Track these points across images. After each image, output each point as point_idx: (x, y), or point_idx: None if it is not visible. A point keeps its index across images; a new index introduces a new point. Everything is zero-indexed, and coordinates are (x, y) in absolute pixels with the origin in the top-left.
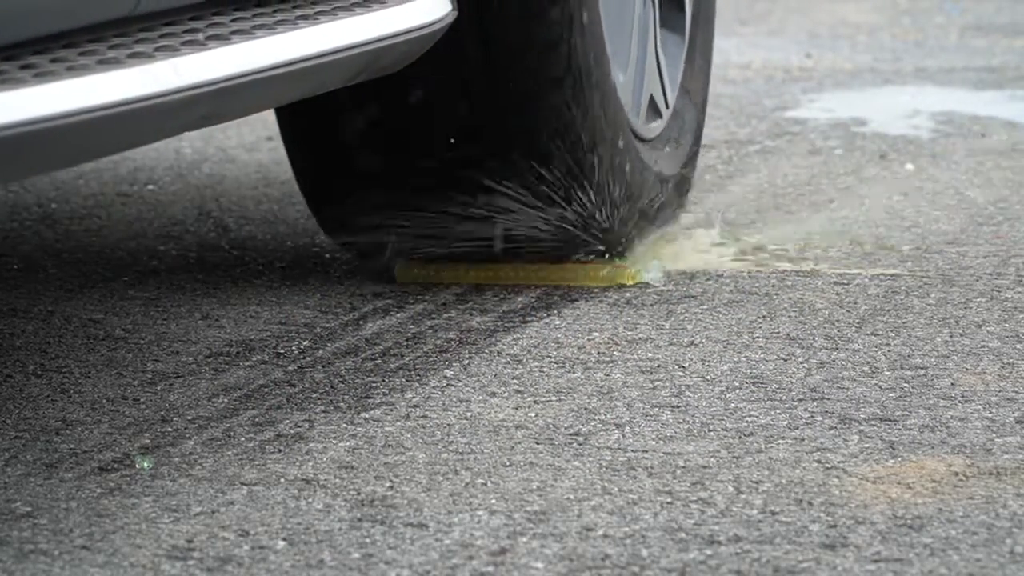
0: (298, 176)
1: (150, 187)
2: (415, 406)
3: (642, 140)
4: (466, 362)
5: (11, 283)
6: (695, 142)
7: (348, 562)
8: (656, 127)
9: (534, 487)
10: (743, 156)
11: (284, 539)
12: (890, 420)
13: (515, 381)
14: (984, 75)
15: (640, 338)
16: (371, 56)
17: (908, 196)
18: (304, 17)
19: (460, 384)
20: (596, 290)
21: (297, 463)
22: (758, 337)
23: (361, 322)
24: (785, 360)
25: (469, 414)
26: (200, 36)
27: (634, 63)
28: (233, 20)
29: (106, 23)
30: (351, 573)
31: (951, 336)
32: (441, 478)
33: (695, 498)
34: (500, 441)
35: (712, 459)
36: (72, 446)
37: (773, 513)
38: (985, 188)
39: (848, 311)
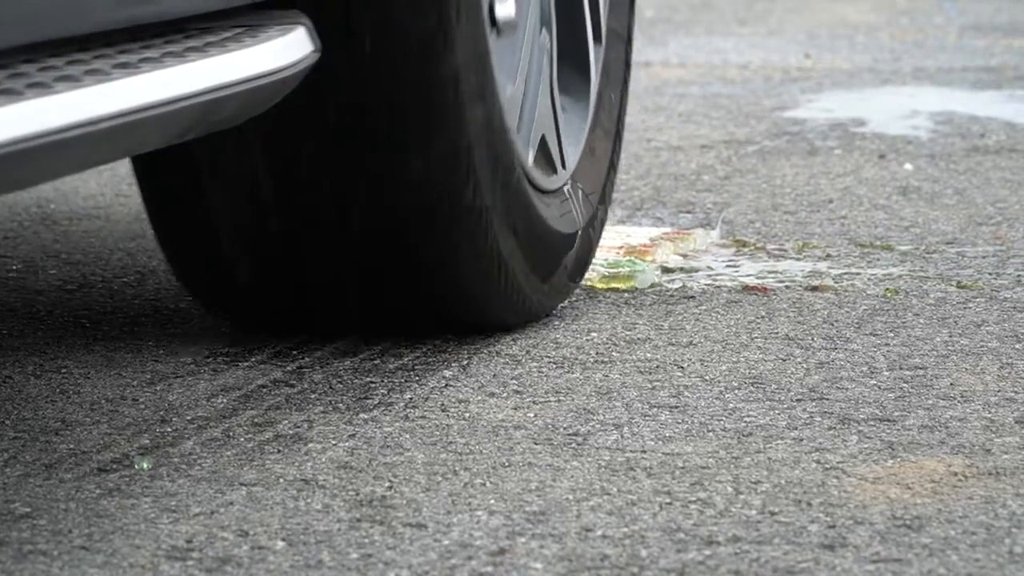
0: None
1: None
2: (414, 406)
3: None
4: (465, 362)
5: (11, 283)
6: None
7: (347, 562)
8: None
9: (533, 487)
10: (741, 156)
11: (283, 539)
12: (889, 420)
13: (514, 381)
14: (983, 75)
15: (639, 338)
16: (202, 109)
17: (907, 196)
18: (123, 66)
19: (459, 384)
20: (594, 290)
21: (296, 463)
22: (757, 337)
23: None
24: (784, 360)
25: (468, 414)
26: None
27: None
28: (41, 69)
29: None
30: (350, 573)
31: (950, 336)
32: (440, 478)
33: (694, 498)
34: (499, 441)
35: (711, 459)
36: (71, 447)
37: (772, 513)
38: (984, 188)
39: (847, 311)
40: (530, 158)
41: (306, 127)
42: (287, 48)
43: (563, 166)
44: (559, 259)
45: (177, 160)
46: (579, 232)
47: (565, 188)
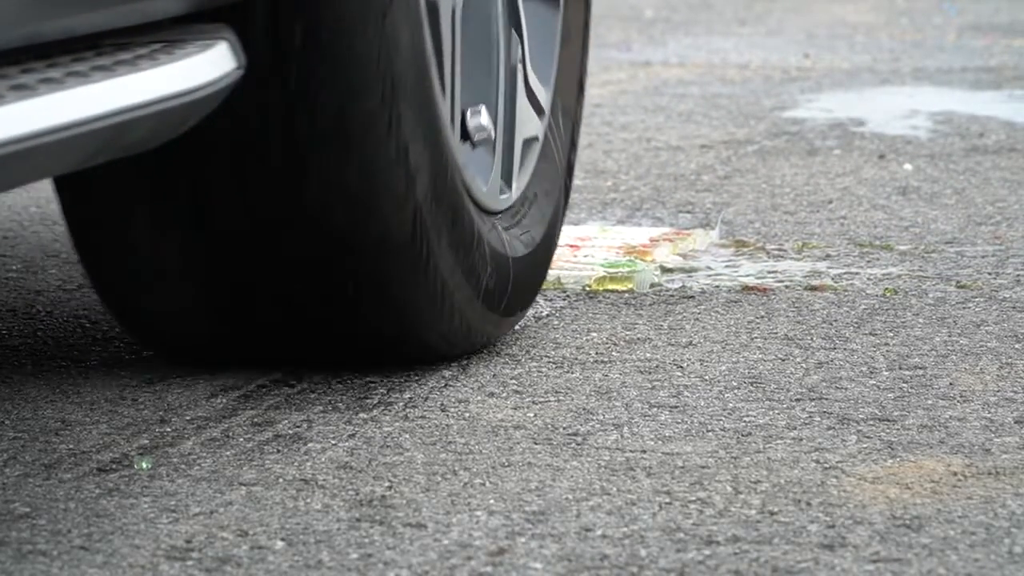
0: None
1: None
2: (413, 406)
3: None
4: (464, 362)
5: (11, 283)
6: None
7: (347, 562)
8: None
9: (532, 487)
10: (741, 156)
11: (283, 539)
12: (888, 420)
13: (513, 381)
14: (982, 75)
15: (638, 338)
16: (108, 134)
17: (906, 196)
18: (20, 87)
19: (458, 384)
20: (594, 290)
21: (296, 463)
22: (756, 337)
23: None
24: (783, 360)
25: (467, 414)
26: None
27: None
28: None
29: None
30: (350, 573)
31: (949, 336)
32: (440, 478)
33: (693, 498)
34: (498, 441)
35: (710, 459)
36: (71, 446)
37: (771, 513)
38: (983, 188)
39: (846, 311)
40: (503, 201)
41: (236, 152)
42: (206, 65)
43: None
44: (507, 285)
45: (102, 194)
46: (531, 251)
47: (516, 203)
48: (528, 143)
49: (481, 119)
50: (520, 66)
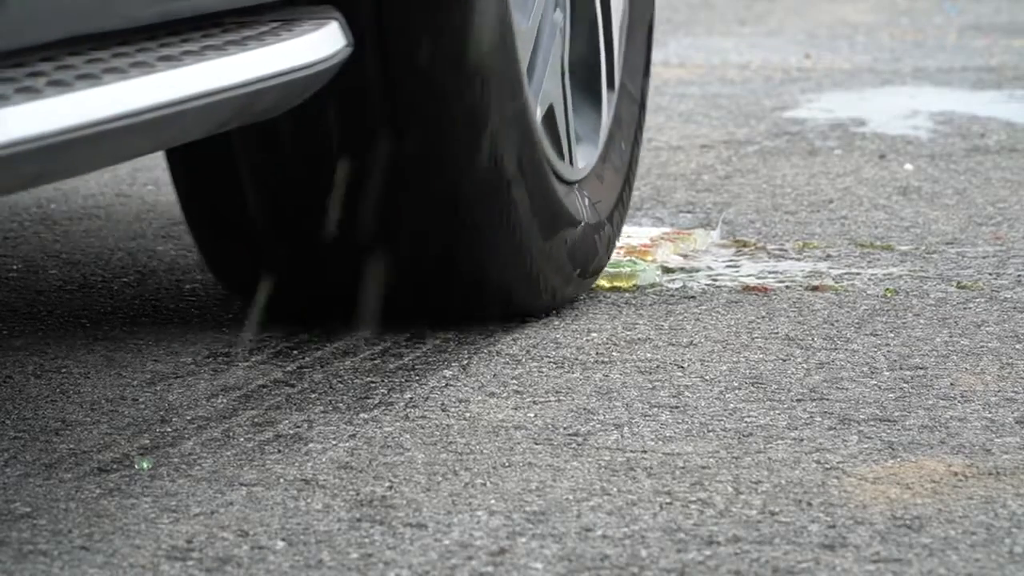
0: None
1: (149, 187)
2: (414, 406)
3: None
4: (465, 362)
5: (12, 283)
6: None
7: (347, 562)
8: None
9: (533, 487)
10: (742, 156)
11: (283, 539)
12: (889, 420)
13: (514, 381)
14: (983, 75)
15: (639, 338)
16: (242, 101)
17: (907, 196)
18: (167, 59)
19: (459, 384)
20: (594, 290)
21: (296, 463)
22: (757, 337)
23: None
24: (784, 360)
25: (468, 414)
26: (40, 82)
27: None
28: (88, 62)
29: None
30: (350, 573)
31: (950, 336)
32: (440, 478)
33: (694, 498)
34: (499, 441)
35: (711, 459)
36: (71, 446)
37: (772, 513)
38: (984, 188)
39: (847, 311)
40: (538, 115)
41: (341, 123)
42: (322, 42)
43: (571, 163)
44: (564, 238)
45: (215, 151)
46: (585, 225)
47: (575, 186)
48: (549, 116)
49: None
50: (562, 43)
